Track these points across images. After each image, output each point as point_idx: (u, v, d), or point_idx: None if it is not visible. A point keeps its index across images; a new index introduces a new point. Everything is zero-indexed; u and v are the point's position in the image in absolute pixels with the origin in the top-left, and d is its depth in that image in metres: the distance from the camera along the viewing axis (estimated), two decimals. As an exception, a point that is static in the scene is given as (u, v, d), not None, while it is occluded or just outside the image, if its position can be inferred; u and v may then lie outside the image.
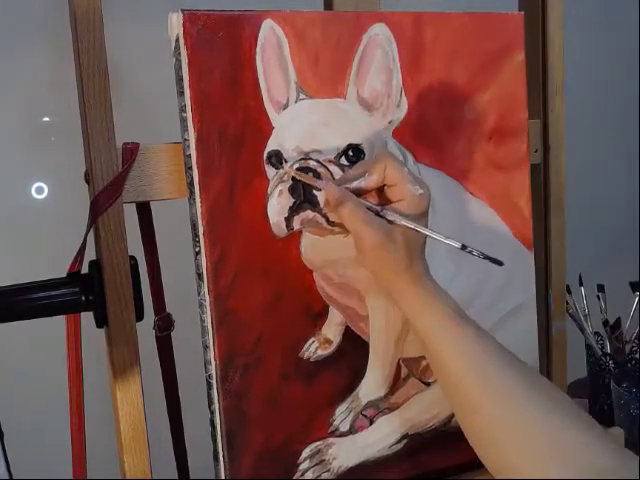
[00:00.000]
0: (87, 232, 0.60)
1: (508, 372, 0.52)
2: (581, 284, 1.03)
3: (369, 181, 0.57)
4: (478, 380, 0.52)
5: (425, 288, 0.56)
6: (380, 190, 0.58)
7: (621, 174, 1.42)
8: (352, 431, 0.66)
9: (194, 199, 0.59)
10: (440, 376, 0.56)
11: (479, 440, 0.53)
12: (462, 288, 0.69)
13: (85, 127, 0.59)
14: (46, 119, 0.96)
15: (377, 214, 0.56)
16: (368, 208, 0.56)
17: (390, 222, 0.55)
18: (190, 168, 0.59)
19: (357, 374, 0.66)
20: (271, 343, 0.62)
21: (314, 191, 0.60)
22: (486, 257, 0.56)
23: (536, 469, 0.48)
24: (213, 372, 0.61)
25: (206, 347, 0.61)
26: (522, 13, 0.71)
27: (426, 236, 0.57)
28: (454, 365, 0.53)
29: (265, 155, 0.60)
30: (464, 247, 0.56)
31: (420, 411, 0.68)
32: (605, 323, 1.01)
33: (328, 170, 0.61)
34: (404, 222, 0.55)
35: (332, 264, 0.64)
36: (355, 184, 0.57)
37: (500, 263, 0.56)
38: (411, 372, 0.68)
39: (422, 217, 0.57)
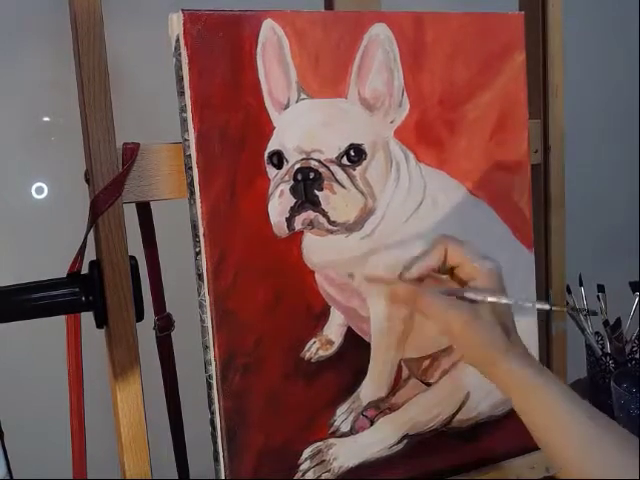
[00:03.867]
0: (87, 232, 0.60)
1: (622, 449, 0.50)
2: (581, 284, 1.03)
3: (431, 261, 0.56)
4: (593, 463, 0.50)
5: (532, 365, 0.54)
6: (452, 274, 0.57)
7: (621, 174, 1.42)
8: (353, 431, 0.66)
9: (194, 199, 0.59)
10: (549, 455, 0.53)
11: None
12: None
13: (85, 127, 0.59)
14: (46, 119, 0.96)
15: (458, 297, 0.54)
16: (449, 293, 0.55)
17: (473, 301, 0.54)
18: (190, 168, 0.59)
19: (358, 375, 0.66)
20: (272, 344, 0.62)
21: (315, 191, 0.60)
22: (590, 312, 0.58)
23: None
24: (213, 372, 0.61)
25: (206, 347, 0.61)
26: (522, 13, 0.71)
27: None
28: (566, 450, 0.51)
29: (266, 155, 0.60)
30: (550, 308, 0.56)
31: (421, 412, 0.68)
32: (605, 323, 1.01)
33: (329, 170, 0.61)
34: (489, 298, 0.54)
35: (333, 264, 0.64)
36: (416, 267, 0.56)
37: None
38: (412, 373, 0.68)
39: (501, 291, 0.55)
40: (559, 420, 0.52)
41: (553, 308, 0.57)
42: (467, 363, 0.56)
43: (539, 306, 0.56)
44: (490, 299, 0.54)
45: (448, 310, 0.53)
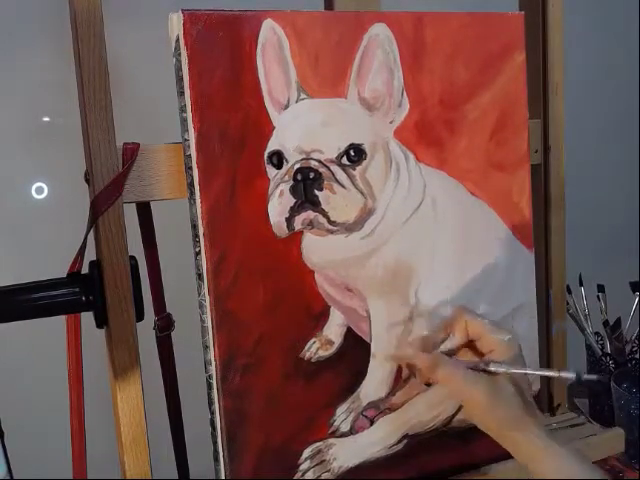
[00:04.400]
0: (87, 232, 0.60)
1: None
2: (581, 284, 1.03)
3: (456, 340, 0.58)
4: None
5: (545, 431, 0.55)
6: (471, 346, 0.59)
7: (621, 174, 1.42)
8: (352, 431, 0.66)
9: (194, 199, 0.59)
10: None
11: None
12: (464, 289, 0.69)
13: (85, 127, 0.59)
14: (46, 119, 0.96)
15: (479, 370, 0.56)
16: (472, 367, 0.56)
17: (494, 373, 0.56)
18: (190, 168, 0.59)
19: (358, 375, 0.66)
20: (272, 343, 0.62)
21: (315, 191, 0.60)
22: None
23: None
24: (213, 372, 0.61)
25: (206, 347, 0.61)
26: (522, 13, 0.71)
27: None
28: None
29: (266, 155, 0.60)
30: (579, 378, 0.56)
31: (420, 412, 0.68)
32: (605, 323, 1.01)
33: (329, 170, 0.61)
34: (512, 370, 0.56)
35: (333, 264, 0.64)
36: (442, 347, 0.59)
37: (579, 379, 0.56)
38: (412, 373, 0.68)
39: (518, 358, 0.57)
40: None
41: (584, 377, 0.56)
42: (483, 430, 0.58)
43: (564, 375, 0.56)
44: (513, 371, 0.56)
45: (470, 384, 0.55)
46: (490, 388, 0.55)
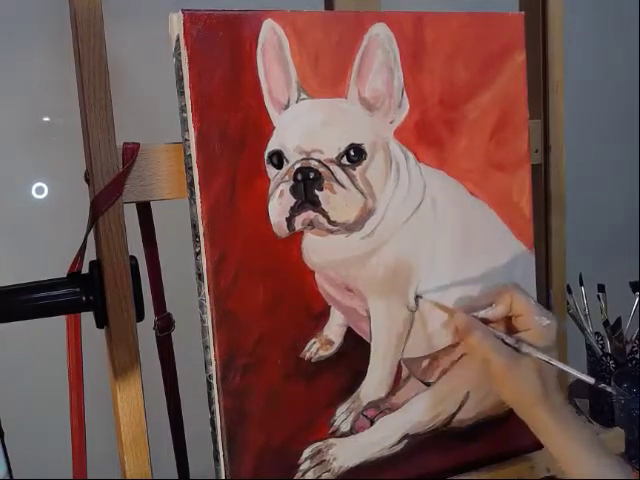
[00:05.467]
0: (87, 232, 0.60)
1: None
2: (581, 284, 1.03)
3: (496, 312, 0.60)
4: None
5: (566, 418, 0.57)
6: (508, 319, 0.60)
7: (621, 174, 1.42)
8: (353, 431, 0.66)
9: (194, 199, 0.59)
10: None
11: None
12: (464, 288, 0.69)
13: (85, 127, 0.58)
14: (46, 119, 0.96)
15: (512, 346, 0.58)
16: (503, 341, 0.58)
17: (524, 353, 0.58)
18: (190, 168, 0.59)
19: (358, 375, 0.66)
20: (272, 343, 0.62)
21: (316, 191, 0.60)
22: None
23: None
24: (213, 372, 0.61)
25: (206, 347, 0.61)
26: (522, 13, 0.71)
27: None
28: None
29: (266, 155, 0.60)
30: (597, 383, 0.58)
31: (420, 412, 0.68)
32: (605, 323, 1.01)
33: (329, 170, 0.61)
34: (539, 355, 0.57)
35: (333, 264, 0.64)
36: (482, 313, 0.60)
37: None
38: (412, 373, 0.68)
39: (552, 349, 0.59)
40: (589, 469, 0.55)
41: (599, 386, 0.59)
42: (506, 402, 0.60)
43: (583, 377, 0.59)
44: (540, 356, 0.57)
45: (494, 352, 0.57)
46: (510, 360, 0.57)
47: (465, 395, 0.70)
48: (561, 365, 0.58)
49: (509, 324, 0.61)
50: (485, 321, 0.60)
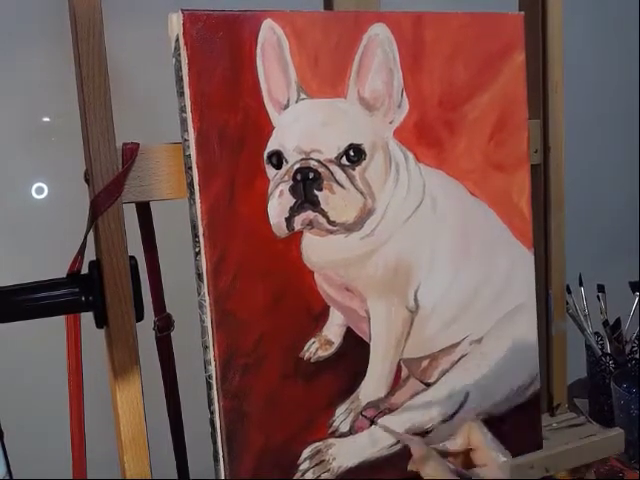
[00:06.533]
0: (87, 232, 0.60)
1: None
2: (581, 284, 1.03)
3: (454, 444, 0.59)
4: None
5: None
6: (465, 454, 0.59)
7: (621, 174, 1.42)
8: (352, 432, 0.66)
9: (194, 199, 0.59)
10: None
11: None
12: (463, 290, 0.69)
13: (85, 127, 0.59)
14: (46, 119, 0.96)
15: (463, 478, 0.57)
16: (458, 473, 0.56)
17: None
18: (190, 168, 0.59)
19: (357, 375, 0.66)
20: (271, 344, 0.62)
21: (315, 191, 0.60)
22: None
23: None
24: (213, 372, 0.61)
25: (206, 347, 0.61)
26: (522, 13, 0.71)
27: None
28: None
29: (265, 155, 0.60)
30: None
31: (420, 412, 0.68)
32: (605, 323, 1.01)
33: (329, 170, 0.61)
34: None
35: (333, 265, 0.64)
36: (440, 446, 0.59)
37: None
38: (411, 373, 0.68)
39: None
40: None
41: None
42: None
43: None
44: None
45: None
46: None
47: (464, 395, 0.70)
48: None
49: (467, 459, 0.59)
50: (443, 453, 0.59)
